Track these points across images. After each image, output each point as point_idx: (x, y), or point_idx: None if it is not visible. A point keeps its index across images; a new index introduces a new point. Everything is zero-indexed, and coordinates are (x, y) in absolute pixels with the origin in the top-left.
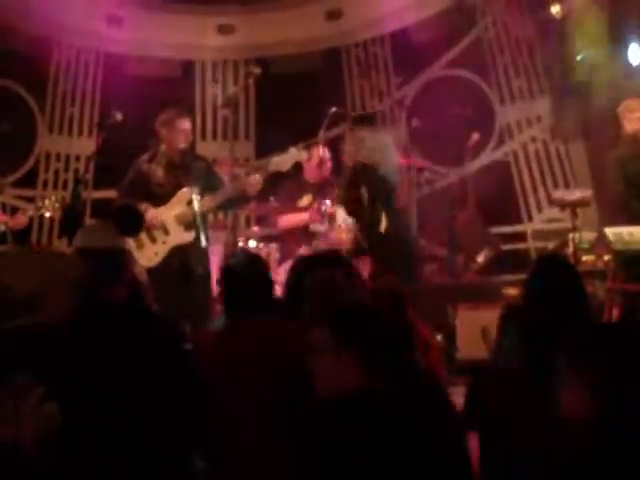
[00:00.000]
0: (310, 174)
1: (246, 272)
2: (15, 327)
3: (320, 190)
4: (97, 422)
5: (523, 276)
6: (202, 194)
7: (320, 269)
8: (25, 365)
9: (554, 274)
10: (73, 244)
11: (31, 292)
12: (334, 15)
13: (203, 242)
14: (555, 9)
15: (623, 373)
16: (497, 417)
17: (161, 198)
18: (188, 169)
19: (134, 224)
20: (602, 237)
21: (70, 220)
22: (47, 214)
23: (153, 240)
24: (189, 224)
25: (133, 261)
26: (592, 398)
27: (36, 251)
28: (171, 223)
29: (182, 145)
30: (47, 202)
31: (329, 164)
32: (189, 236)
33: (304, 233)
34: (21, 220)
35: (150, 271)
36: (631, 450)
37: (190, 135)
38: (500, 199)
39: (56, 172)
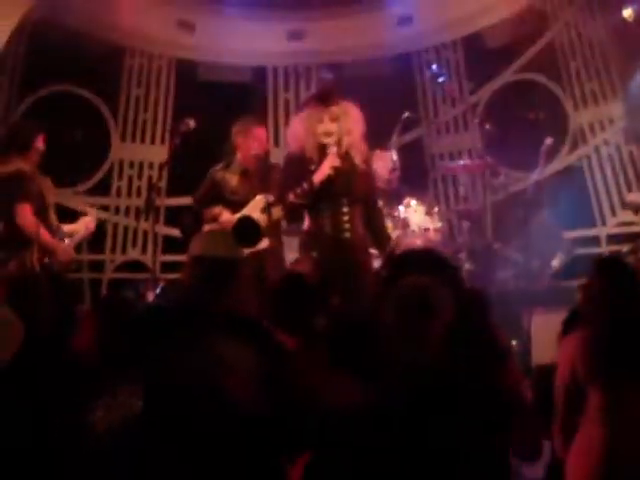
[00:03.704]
0: (382, 181)
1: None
2: None
3: (391, 196)
4: None
5: None
6: (277, 201)
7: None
8: None
9: (612, 278)
10: (190, 251)
11: None
12: (405, 20)
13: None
14: (627, 12)
15: None
16: None
17: (236, 205)
18: (263, 176)
19: (252, 235)
20: None
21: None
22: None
23: None
24: (264, 231)
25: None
26: None
27: None
28: None
29: (257, 152)
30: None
31: (398, 170)
32: (264, 243)
33: None
34: (91, 223)
35: None
36: None
37: (266, 142)
38: (574, 203)
39: (129, 179)
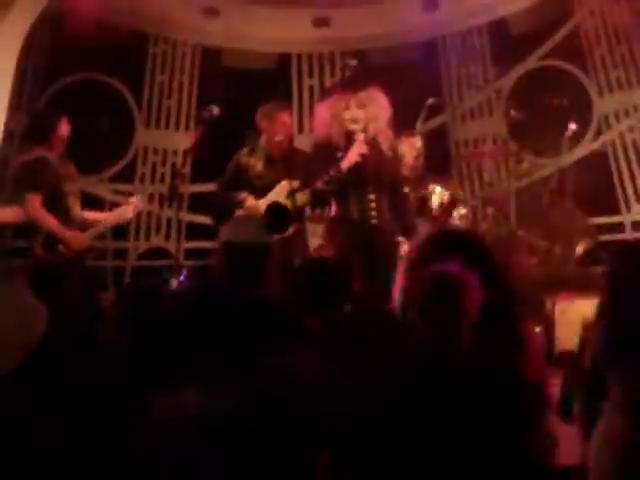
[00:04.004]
0: (407, 167)
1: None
2: None
3: (416, 182)
4: None
5: None
6: (301, 187)
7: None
8: None
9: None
10: (220, 237)
11: None
12: (430, 6)
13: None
14: None
15: None
16: None
17: (261, 191)
18: (288, 162)
19: (283, 221)
20: None
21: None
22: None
23: None
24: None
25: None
26: None
27: None
28: None
29: (282, 138)
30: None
31: (423, 156)
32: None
33: None
34: (128, 215)
35: None
36: None
37: (290, 128)
38: (598, 190)
39: (153, 166)
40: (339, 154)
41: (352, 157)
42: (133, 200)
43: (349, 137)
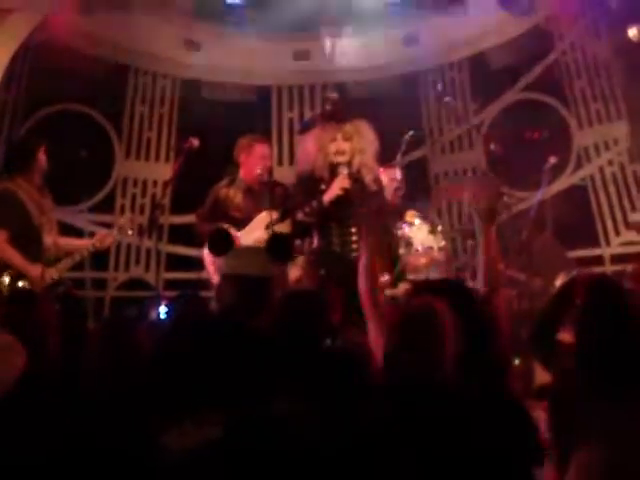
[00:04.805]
0: (387, 198)
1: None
2: None
3: (395, 214)
4: None
5: None
6: (280, 219)
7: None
8: None
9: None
10: (224, 269)
11: None
12: (411, 40)
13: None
14: (632, 32)
15: None
16: None
17: (240, 222)
18: (267, 194)
19: (286, 251)
20: None
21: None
22: (130, 232)
23: None
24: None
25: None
26: None
27: None
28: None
29: (261, 170)
30: (123, 220)
31: (403, 188)
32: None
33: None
34: (108, 240)
35: None
36: None
37: (269, 160)
38: (578, 223)
39: (133, 197)
40: (322, 186)
41: (334, 191)
42: (120, 221)
43: (333, 170)
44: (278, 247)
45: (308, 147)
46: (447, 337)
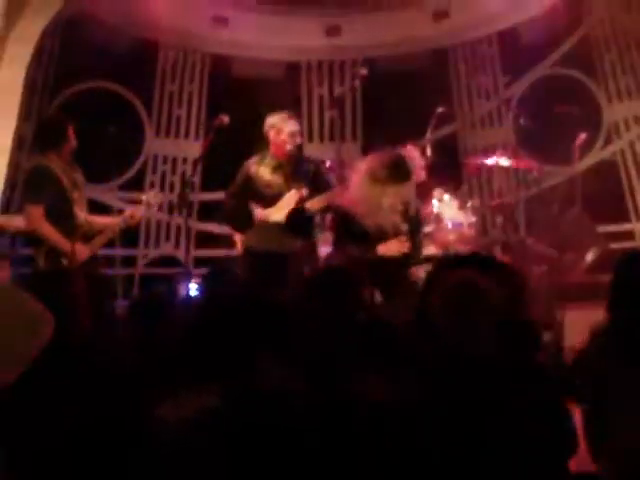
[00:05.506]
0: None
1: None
2: None
3: (424, 191)
4: None
5: None
6: (310, 196)
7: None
8: None
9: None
10: (244, 243)
11: None
12: (441, 15)
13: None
14: None
15: None
16: None
17: (269, 200)
18: (296, 171)
19: (305, 227)
20: None
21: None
22: (155, 207)
23: None
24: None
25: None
26: None
27: None
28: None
29: (290, 147)
30: (148, 196)
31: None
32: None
33: None
34: (137, 216)
35: None
36: None
37: (299, 137)
38: (608, 198)
39: (163, 175)
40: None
41: None
42: (146, 197)
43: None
44: (298, 222)
45: (362, 193)
46: (489, 309)
